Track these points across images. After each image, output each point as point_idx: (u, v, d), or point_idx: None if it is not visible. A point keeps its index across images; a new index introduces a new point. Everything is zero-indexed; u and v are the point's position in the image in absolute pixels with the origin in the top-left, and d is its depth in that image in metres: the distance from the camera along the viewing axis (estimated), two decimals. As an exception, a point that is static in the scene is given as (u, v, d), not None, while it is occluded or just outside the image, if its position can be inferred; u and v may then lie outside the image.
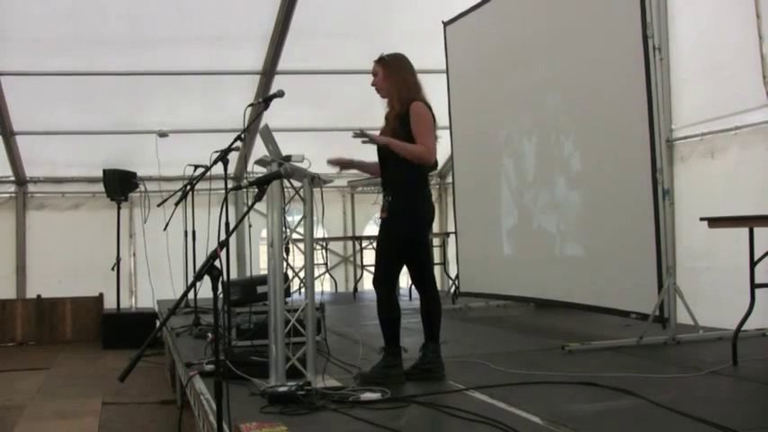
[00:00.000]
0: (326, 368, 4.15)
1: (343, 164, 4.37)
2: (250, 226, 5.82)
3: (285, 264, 4.07)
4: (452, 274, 8.89)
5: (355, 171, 11.54)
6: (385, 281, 4.20)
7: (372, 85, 4.41)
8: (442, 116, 8.22)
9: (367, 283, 11.29)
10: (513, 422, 3.16)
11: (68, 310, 9.69)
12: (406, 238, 4.18)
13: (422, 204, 4.22)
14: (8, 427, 5.63)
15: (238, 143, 4.87)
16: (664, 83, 5.58)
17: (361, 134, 4.11)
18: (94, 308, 9.65)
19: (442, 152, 10.28)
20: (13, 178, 10.10)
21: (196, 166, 6.74)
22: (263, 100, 4.42)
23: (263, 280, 5.25)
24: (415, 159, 4.14)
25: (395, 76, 4.29)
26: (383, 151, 4.22)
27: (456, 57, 7.87)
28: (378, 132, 4.30)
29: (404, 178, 4.15)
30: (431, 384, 4.01)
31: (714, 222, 4.81)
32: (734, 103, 5.91)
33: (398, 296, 4.30)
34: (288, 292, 4.36)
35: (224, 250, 2.91)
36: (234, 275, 7.98)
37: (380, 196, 4.33)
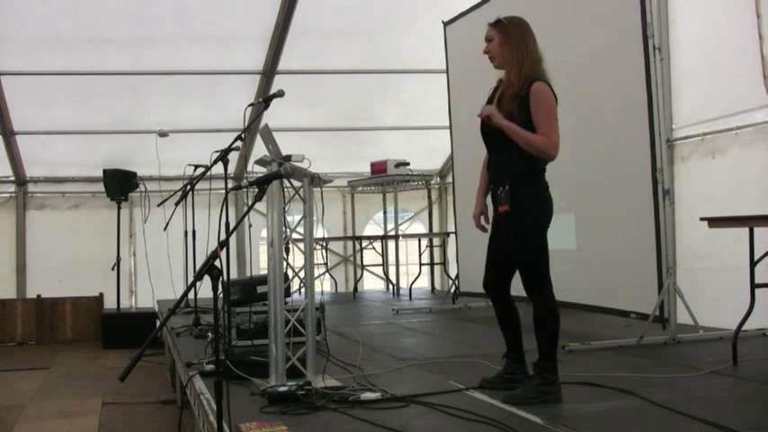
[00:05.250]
0: (326, 368, 4.15)
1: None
2: (250, 226, 5.82)
3: (285, 264, 4.07)
4: (452, 274, 8.88)
5: (356, 170, 11.59)
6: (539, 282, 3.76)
7: (485, 52, 3.80)
8: (442, 116, 8.30)
9: (367, 283, 11.32)
10: (513, 422, 3.16)
11: (68, 310, 9.70)
12: (525, 236, 3.72)
13: (542, 199, 3.74)
14: (8, 427, 5.62)
15: (238, 143, 4.86)
16: (664, 83, 5.58)
17: (487, 119, 3.70)
18: (94, 308, 9.66)
19: (443, 152, 10.43)
20: (13, 178, 10.11)
21: (196, 166, 6.74)
22: (263, 100, 4.41)
23: (263, 280, 5.25)
24: (534, 152, 3.59)
25: (517, 43, 3.67)
26: (496, 135, 3.71)
27: (456, 57, 7.87)
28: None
29: (523, 168, 3.64)
30: (431, 384, 4.00)
31: (714, 222, 4.81)
32: (734, 103, 5.91)
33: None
34: (288, 292, 4.36)
35: (224, 250, 2.90)
36: (234, 275, 7.97)
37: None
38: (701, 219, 4.83)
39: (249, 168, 9.80)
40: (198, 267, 2.97)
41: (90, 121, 9.35)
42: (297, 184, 4.12)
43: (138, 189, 9.33)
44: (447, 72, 8.04)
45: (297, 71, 8.88)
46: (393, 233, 10.29)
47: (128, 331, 8.85)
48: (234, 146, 4.92)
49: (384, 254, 10.29)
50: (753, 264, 4.43)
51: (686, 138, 6.42)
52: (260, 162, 4.14)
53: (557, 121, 3.61)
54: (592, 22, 5.90)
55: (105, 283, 9.43)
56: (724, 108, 6.01)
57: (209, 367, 4.21)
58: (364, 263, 10.81)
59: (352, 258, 11.17)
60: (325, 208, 4.25)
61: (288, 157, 3.96)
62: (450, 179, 9.34)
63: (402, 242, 10.68)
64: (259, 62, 8.75)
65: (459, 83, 7.75)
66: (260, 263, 9.39)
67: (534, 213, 3.70)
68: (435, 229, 10.87)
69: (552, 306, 3.70)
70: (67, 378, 7.46)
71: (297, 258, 4.82)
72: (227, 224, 4.59)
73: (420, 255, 10.26)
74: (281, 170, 3.49)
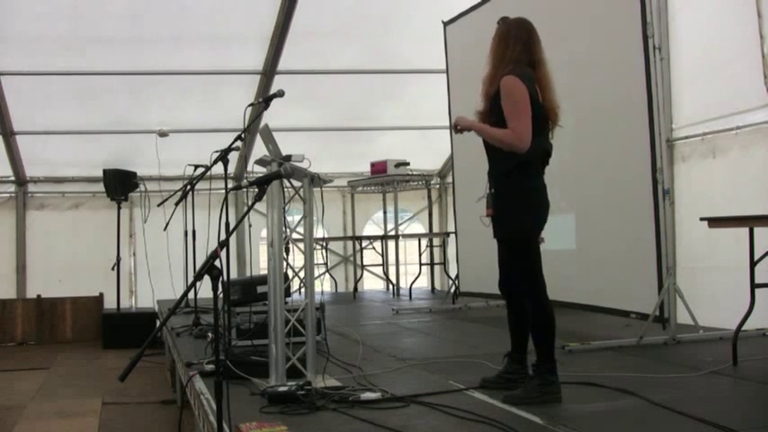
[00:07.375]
0: (326, 368, 4.15)
1: None
2: (250, 226, 5.82)
3: (285, 264, 4.07)
4: (452, 274, 8.88)
5: (356, 170, 11.61)
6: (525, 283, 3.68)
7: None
8: (442, 116, 8.30)
9: (367, 283, 11.33)
10: (513, 422, 3.16)
11: (68, 310, 9.69)
12: (515, 236, 3.68)
13: (525, 199, 3.66)
14: (8, 427, 5.62)
15: (238, 143, 4.86)
16: (664, 83, 5.59)
17: (455, 128, 3.78)
18: (94, 308, 9.65)
19: (443, 152, 10.43)
20: (13, 178, 10.11)
21: (196, 166, 6.74)
22: (263, 100, 4.41)
23: (263, 280, 5.25)
24: (503, 147, 3.58)
25: (497, 45, 3.72)
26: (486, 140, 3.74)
27: (456, 57, 7.87)
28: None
29: (504, 167, 3.62)
30: (431, 384, 4.00)
31: (714, 222, 4.82)
32: (734, 103, 5.91)
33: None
34: (288, 292, 4.36)
35: (224, 250, 2.90)
36: (234, 275, 7.98)
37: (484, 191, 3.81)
38: (701, 219, 4.83)
39: (249, 168, 9.80)
40: (198, 267, 2.96)
41: (90, 121, 9.35)
42: (297, 184, 4.13)
43: (138, 189, 9.33)
44: (447, 72, 8.04)
45: (297, 71, 8.88)
46: (393, 233, 10.30)
47: (128, 331, 8.85)
48: (234, 146, 4.92)
49: (384, 254, 10.29)
50: (753, 264, 4.43)
51: (686, 138, 6.42)
52: (260, 162, 4.14)
53: (526, 112, 3.55)
54: (592, 22, 5.90)
55: (105, 283, 9.42)
56: (724, 108, 6.01)
57: (209, 367, 4.21)
58: (364, 263, 10.81)
59: (352, 258, 11.17)
60: (325, 208, 4.25)
61: (288, 157, 3.97)
62: (450, 179, 9.34)
63: (402, 242, 10.68)
64: (259, 62, 8.76)
65: (459, 83, 7.75)
66: (260, 263, 9.39)
67: (514, 214, 3.66)
68: (435, 229, 10.87)
69: (544, 307, 3.65)
70: (67, 378, 7.45)
71: (297, 258, 4.83)
72: (227, 224, 4.59)
73: (420, 255, 10.26)
74: (281, 170, 3.49)
